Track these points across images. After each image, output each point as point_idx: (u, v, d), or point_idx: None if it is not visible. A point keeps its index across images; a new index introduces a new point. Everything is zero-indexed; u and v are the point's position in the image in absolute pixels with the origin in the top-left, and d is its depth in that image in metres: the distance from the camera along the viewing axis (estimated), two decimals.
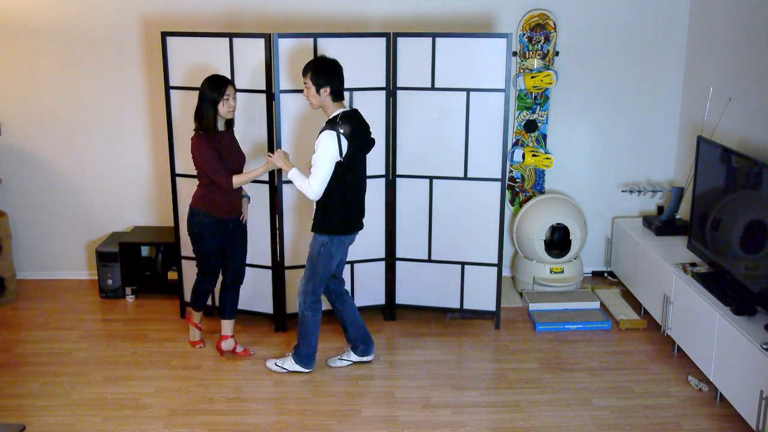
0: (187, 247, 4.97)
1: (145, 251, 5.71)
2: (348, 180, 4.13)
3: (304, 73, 4.09)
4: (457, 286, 4.99)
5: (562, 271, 5.41)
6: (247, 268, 4.87)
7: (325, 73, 4.06)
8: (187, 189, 4.87)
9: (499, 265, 4.89)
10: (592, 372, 4.48)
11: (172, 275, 5.38)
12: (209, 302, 5.04)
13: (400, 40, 4.69)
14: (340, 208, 4.15)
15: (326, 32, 4.71)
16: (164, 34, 4.68)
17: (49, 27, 5.32)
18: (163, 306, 5.32)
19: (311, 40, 4.58)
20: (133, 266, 5.51)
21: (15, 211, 5.62)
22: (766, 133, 4.43)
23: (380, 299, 5.07)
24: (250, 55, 4.56)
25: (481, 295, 4.97)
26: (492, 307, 4.98)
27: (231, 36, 4.58)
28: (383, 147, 4.81)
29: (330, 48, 4.58)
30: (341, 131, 4.03)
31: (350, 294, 4.98)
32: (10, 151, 5.52)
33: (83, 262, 5.76)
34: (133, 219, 5.71)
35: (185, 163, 4.85)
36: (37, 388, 4.28)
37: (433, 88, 4.72)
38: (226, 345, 4.63)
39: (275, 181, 4.68)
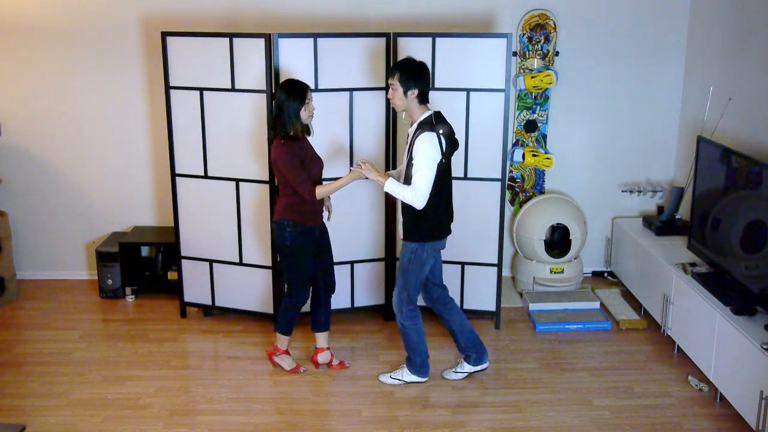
0: (187, 247, 4.98)
1: (145, 251, 5.71)
2: (443, 183, 4.00)
3: (392, 75, 3.97)
4: (457, 286, 4.99)
5: (562, 271, 5.41)
6: (247, 269, 4.89)
7: (414, 75, 3.93)
8: (188, 189, 4.88)
9: (499, 265, 4.89)
10: (592, 372, 4.48)
11: (172, 275, 5.38)
12: (208, 301, 5.05)
13: (400, 40, 4.69)
14: (433, 212, 4.00)
15: (326, 32, 4.70)
16: (164, 34, 4.68)
17: (49, 27, 5.32)
18: (163, 306, 5.32)
19: (311, 39, 4.58)
20: (133, 266, 5.51)
21: (15, 211, 5.62)
22: (766, 133, 4.43)
23: (380, 299, 5.07)
24: (250, 55, 4.56)
25: (481, 295, 4.97)
26: (492, 307, 4.98)
27: (231, 36, 4.58)
28: (383, 147, 4.81)
29: (330, 48, 4.59)
30: (440, 131, 3.93)
31: (351, 295, 4.99)
32: (10, 151, 5.52)
33: (83, 262, 5.76)
34: (133, 219, 5.71)
35: (185, 163, 4.85)
36: (37, 388, 4.28)
37: (433, 88, 4.71)
38: (323, 358, 4.49)
39: (275, 181, 4.68)
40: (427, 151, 3.87)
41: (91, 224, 5.69)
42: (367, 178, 4.09)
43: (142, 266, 5.62)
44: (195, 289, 5.07)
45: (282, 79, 4.55)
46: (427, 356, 4.33)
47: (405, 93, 3.94)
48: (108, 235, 5.63)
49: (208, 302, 5.06)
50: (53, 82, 5.42)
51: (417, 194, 3.88)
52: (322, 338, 4.48)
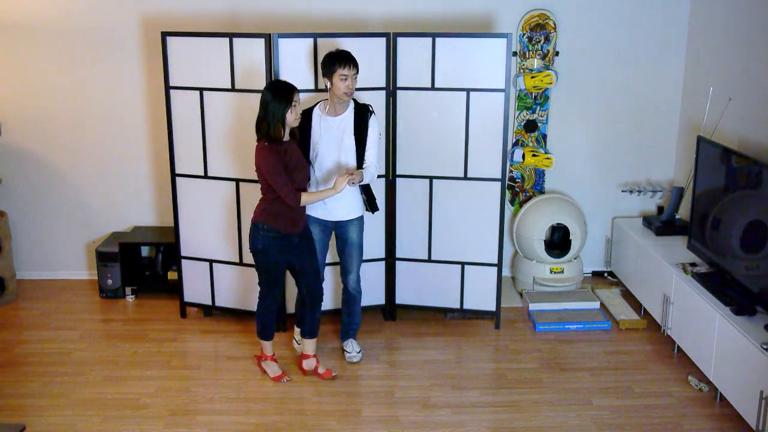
0: (187, 247, 4.98)
1: (145, 251, 5.71)
2: None
3: (355, 66, 4.20)
4: (457, 286, 4.99)
5: (562, 271, 5.41)
6: (247, 269, 4.89)
7: None
8: (188, 189, 4.88)
9: (499, 265, 4.89)
10: (592, 372, 4.48)
11: (172, 275, 5.38)
12: (208, 301, 5.05)
13: (400, 40, 4.69)
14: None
15: (326, 32, 4.70)
16: (164, 34, 4.68)
17: (49, 27, 5.32)
18: (163, 306, 5.32)
19: (311, 39, 4.58)
20: (133, 266, 5.51)
21: (15, 211, 5.62)
22: (766, 133, 4.43)
23: (380, 299, 5.07)
24: (250, 55, 4.56)
25: (481, 295, 4.97)
26: (492, 307, 4.98)
27: (231, 36, 4.58)
28: (383, 147, 4.81)
29: (330, 48, 4.58)
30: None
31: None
32: (10, 151, 5.53)
33: (83, 262, 5.76)
34: (133, 219, 5.71)
35: (185, 163, 4.85)
36: (37, 388, 4.28)
37: (433, 88, 4.72)
38: (308, 365, 4.42)
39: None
40: (377, 130, 4.36)
41: (91, 224, 5.69)
42: (354, 183, 4.20)
43: (142, 266, 5.62)
44: (195, 289, 5.07)
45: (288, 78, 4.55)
46: None
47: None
48: (108, 235, 5.64)
49: (208, 302, 5.06)
50: (53, 82, 5.42)
51: (377, 167, 4.36)
52: (308, 345, 4.42)
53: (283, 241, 4.16)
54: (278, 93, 4.02)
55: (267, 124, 4.01)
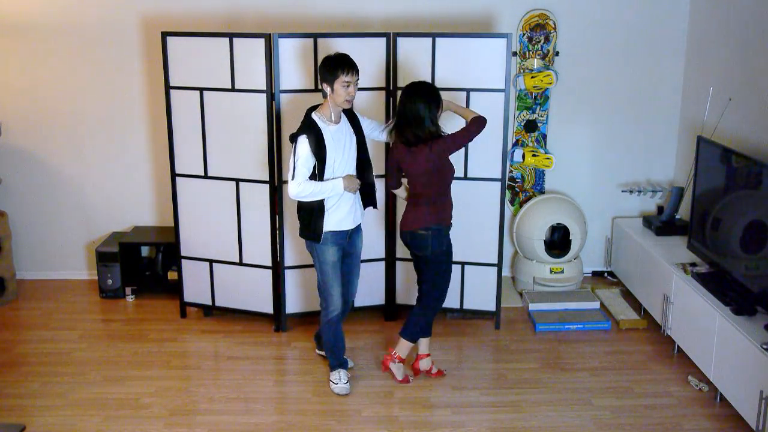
0: (187, 247, 4.98)
1: (145, 251, 5.71)
2: None
3: (357, 71, 4.02)
4: (457, 286, 4.99)
5: (562, 271, 5.41)
6: (247, 269, 4.89)
7: None
8: (188, 189, 4.88)
9: (499, 265, 4.89)
10: (592, 372, 4.48)
11: (172, 275, 5.38)
12: (208, 301, 5.05)
13: (400, 40, 4.69)
14: None
15: (326, 32, 4.70)
16: (164, 34, 4.68)
17: (49, 27, 5.32)
18: (163, 306, 5.32)
19: (311, 39, 4.58)
20: (133, 266, 5.51)
21: (15, 211, 5.62)
22: (766, 133, 4.43)
23: (380, 299, 5.07)
24: (250, 55, 4.56)
25: (481, 295, 4.97)
26: (492, 307, 4.98)
27: (231, 36, 4.58)
28: (384, 147, 4.80)
29: (330, 48, 4.58)
30: None
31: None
32: (10, 151, 5.52)
33: (83, 262, 5.76)
34: (133, 219, 5.71)
35: (185, 163, 4.85)
36: (37, 388, 4.28)
37: None
38: (424, 364, 4.40)
39: (275, 181, 4.68)
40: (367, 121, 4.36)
41: (91, 224, 5.69)
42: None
43: (142, 266, 5.62)
44: (195, 289, 5.07)
45: (292, 78, 4.56)
46: None
47: None
48: (108, 235, 5.64)
49: (208, 302, 5.06)
50: (53, 82, 5.42)
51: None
52: (422, 343, 4.39)
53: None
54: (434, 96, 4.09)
55: (431, 126, 4.07)
